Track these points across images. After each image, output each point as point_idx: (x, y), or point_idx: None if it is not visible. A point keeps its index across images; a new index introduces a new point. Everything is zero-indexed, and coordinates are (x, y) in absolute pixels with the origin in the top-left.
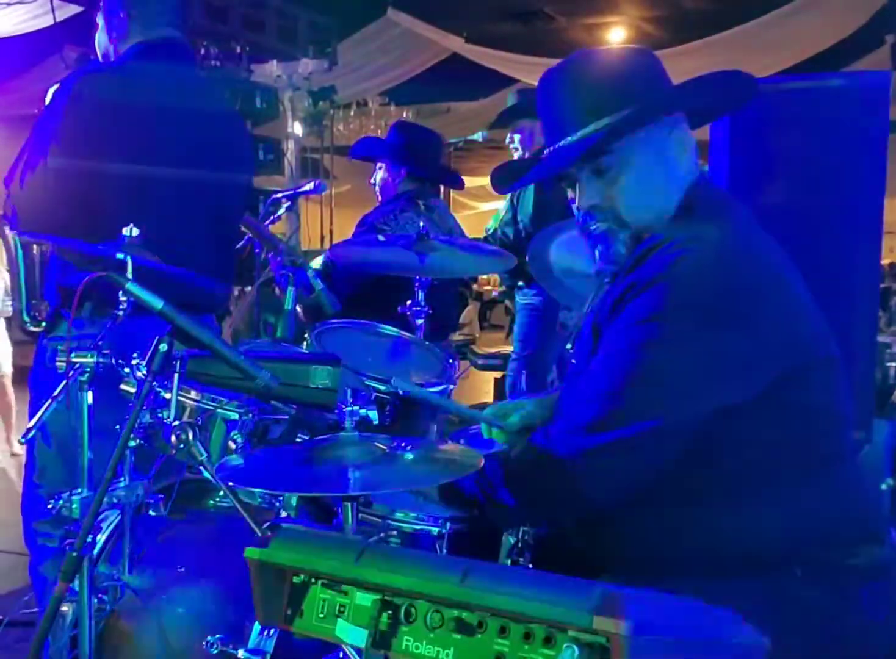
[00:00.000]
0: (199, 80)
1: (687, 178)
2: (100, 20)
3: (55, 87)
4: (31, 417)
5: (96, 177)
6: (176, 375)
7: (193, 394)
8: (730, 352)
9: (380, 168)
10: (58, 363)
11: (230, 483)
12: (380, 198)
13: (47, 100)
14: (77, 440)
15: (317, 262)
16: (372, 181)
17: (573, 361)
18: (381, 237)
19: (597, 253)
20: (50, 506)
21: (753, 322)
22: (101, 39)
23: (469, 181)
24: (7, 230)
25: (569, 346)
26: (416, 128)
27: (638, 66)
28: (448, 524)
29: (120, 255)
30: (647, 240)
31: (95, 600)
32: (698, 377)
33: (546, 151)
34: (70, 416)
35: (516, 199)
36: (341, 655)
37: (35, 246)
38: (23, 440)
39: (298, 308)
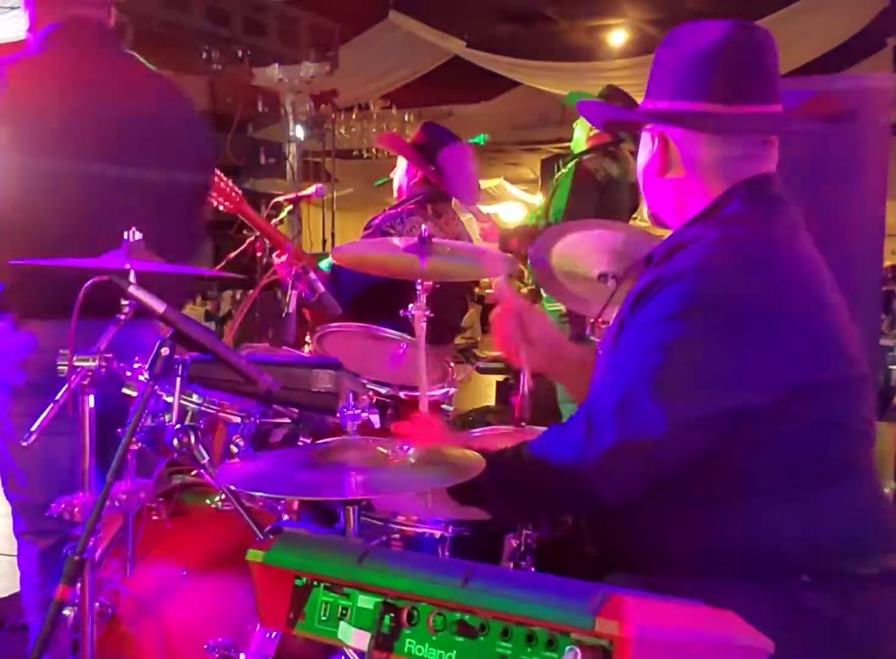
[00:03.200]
0: (109, 63)
1: (733, 177)
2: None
3: None
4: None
5: (9, 180)
6: (178, 379)
7: (195, 397)
8: (747, 358)
9: (400, 165)
10: (59, 367)
11: (232, 487)
12: (396, 194)
13: None
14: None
15: (324, 264)
16: (392, 174)
17: (599, 352)
18: (396, 241)
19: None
20: (50, 508)
21: (775, 331)
22: (26, 28)
23: None
24: None
25: (587, 332)
26: (441, 134)
27: (738, 59)
28: (450, 527)
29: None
30: (679, 234)
31: (97, 604)
32: (713, 381)
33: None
34: (24, 425)
35: (551, 194)
36: (343, 658)
37: None
38: (25, 442)
39: (304, 311)
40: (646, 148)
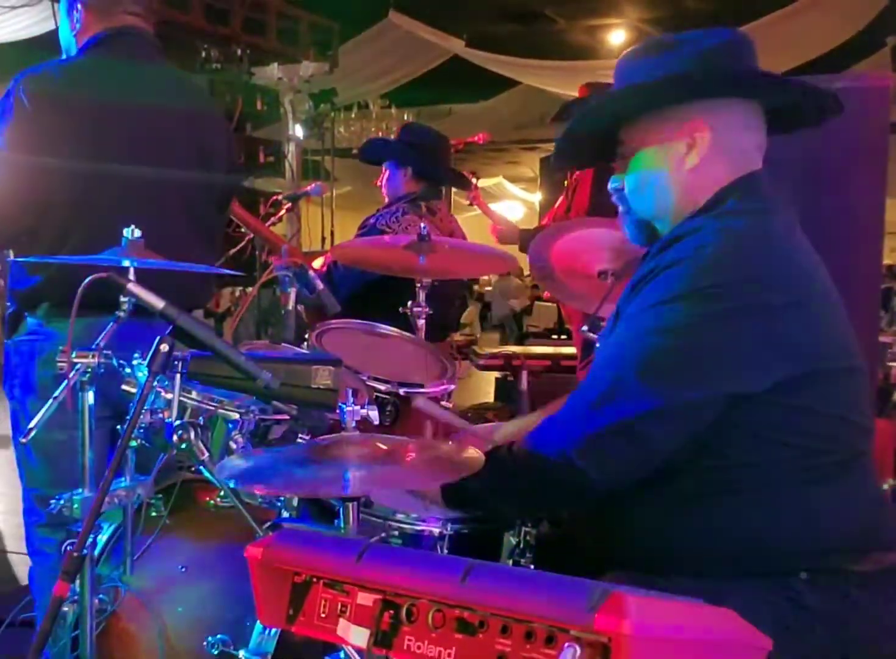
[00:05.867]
0: (154, 70)
1: (741, 169)
2: (60, 12)
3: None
4: (11, 417)
5: (48, 179)
6: (178, 376)
7: (194, 394)
8: (738, 344)
9: (385, 170)
10: (58, 363)
11: (231, 483)
12: (386, 199)
13: None
14: (57, 443)
15: (317, 263)
16: (379, 183)
17: (597, 345)
18: (395, 239)
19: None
20: (51, 504)
21: (769, 319)
22: (62, 32)
23: None
24: None
25: (584, 328)
26: (424, 129)
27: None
28: (449, 525)
29: (126, 262)
30: (679, 227)
31: (96, 601)
32: (702, 366)
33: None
34: (51, 418)
35: (571, 194)
36: (343, 655)
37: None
38: (24, 440)
39: (300, 308)
40: (673, 146)
